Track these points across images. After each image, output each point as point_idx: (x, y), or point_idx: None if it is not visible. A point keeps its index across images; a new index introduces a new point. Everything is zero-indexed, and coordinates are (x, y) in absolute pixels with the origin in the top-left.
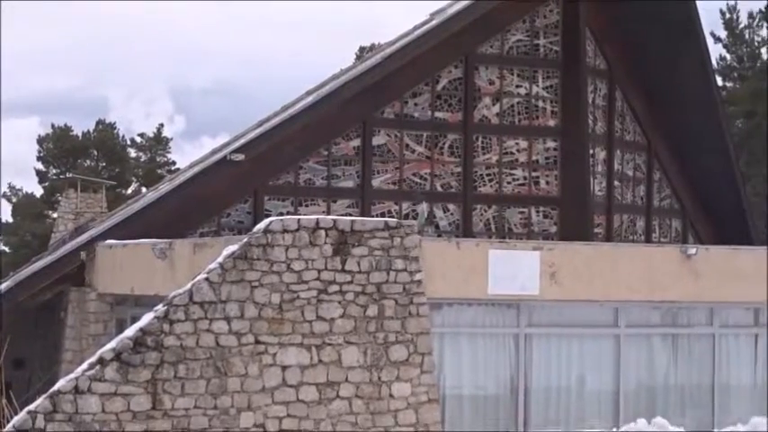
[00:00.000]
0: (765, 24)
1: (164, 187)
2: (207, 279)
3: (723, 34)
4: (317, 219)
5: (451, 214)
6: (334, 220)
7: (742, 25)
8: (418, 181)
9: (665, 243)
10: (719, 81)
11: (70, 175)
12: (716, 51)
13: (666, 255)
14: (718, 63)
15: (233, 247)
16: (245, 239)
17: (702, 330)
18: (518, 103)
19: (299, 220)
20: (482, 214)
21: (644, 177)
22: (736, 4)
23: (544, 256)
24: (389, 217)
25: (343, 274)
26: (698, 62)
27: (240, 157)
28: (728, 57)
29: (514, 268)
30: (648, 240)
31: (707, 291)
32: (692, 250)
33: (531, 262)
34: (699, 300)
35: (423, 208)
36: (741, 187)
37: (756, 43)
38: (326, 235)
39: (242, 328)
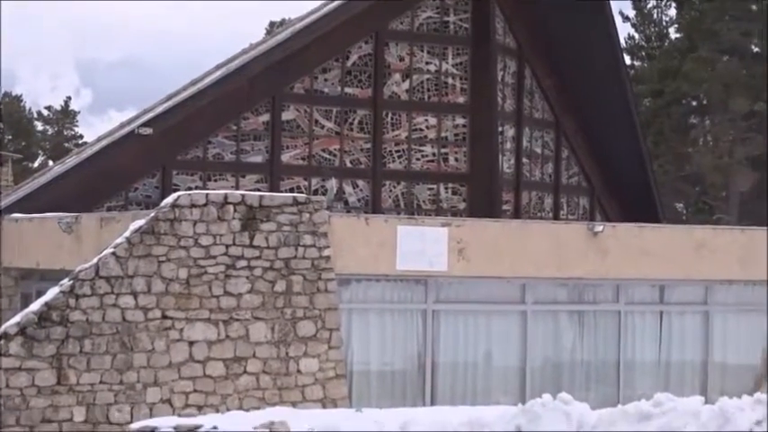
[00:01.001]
0: (673, 4)
1: (71, 161)
2: (113, 253)
3: (632, 13)
4: (226, 193)
5: (360, 190)
6: (243, 195)
7: (650, 5)
8: (327, 157)
9: (573, 220)
10: (627, 60)
11: None
12: (624, 30)
13: (574, 232)
14: (626, 42)
15: (140, 222)
16: (153, 214)
17: (608, 307)
18: (428, 79)
19: (207, 194)
20: (391, 190)
21: (552, 155)
22: None
23: (452, 233)
24: (298, 192)
25: (251, 249)
26: (606, 40)
27: (148, 131)
28: (637, 36)
29: (423, 244)
30: (556, 217)
31: (613, 268)
32: (599, 227)
33: (439, 238)
34: (605, 277)
35: (332, 184)
36: (648, 165)
37: (664, 23)
38: (235, 210)
39: (149, 303)
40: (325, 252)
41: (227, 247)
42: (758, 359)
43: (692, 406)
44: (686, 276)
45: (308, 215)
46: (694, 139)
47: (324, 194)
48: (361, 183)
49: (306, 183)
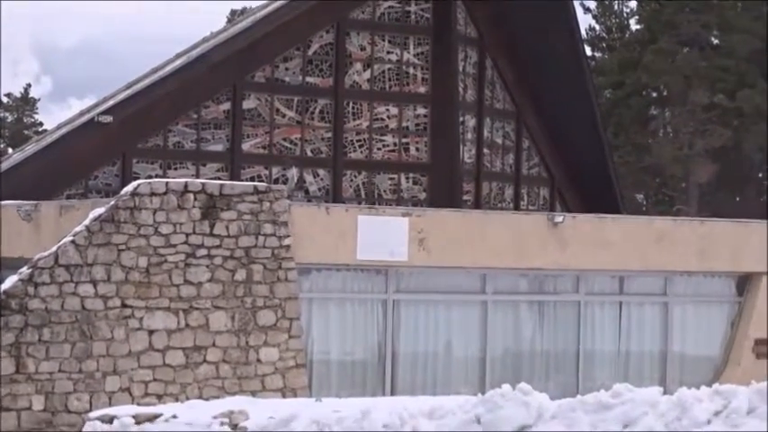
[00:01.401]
0: None
1: (30, 148)
2: (73, 242)
3: (593, 5)
4: (186, 182)
5: (321, 179)
6: (203, 184)
7: None
8: (288, 146)
9: (533, 211)
10: (588, 51)
11: None
12: (585, 22)
13: (534, 222)
14: (587, 33)
15: (100, 210)
16: (113, 202)
17: (568, 297)
18: (389, 69)
19: (167, 183)
20: (352, 180)
21: (513, 145)
22: None
23: (413, 223)
24: (259, 181)
25: (211, 237)
26: (567, 32)
27: (108, 119)
28: (597, 27)
29: (383, 234)
30: (517, 208)
31: (573, 258)
32: (559, 218)
33: (399, 228)
34: (565, 267)
35: (292, 173)
36: (608, 156)
37: (625, 14)
38: (195, 198)
39: (108, 291)
40: (286, 241)
41: (187, 235)
42: (717, 350)
43: (651, 396)
44: (646, 267)
45: (268, 204)
46: (654, 131)
47: (284, 183)
48: (321, 172)
49: (266, 172)
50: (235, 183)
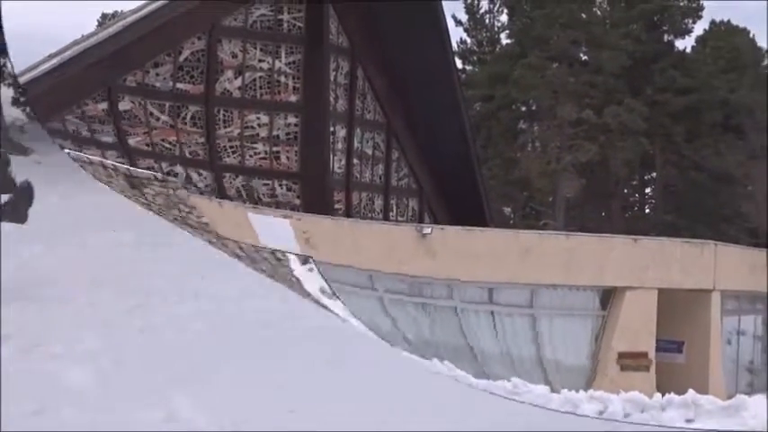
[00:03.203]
0: (505, 10)
1: None
2: None
3: (464, 18)
4: None
5: (204, 179)
6: None
7: (483, 10)
8: (168, 146)
9: (402, 222)
10: (459, 64)
11: None
12: (457, 34)
13: (402, 233)
14: (458, 46)
15: None
16: None
17: (440, 305)
18: (260, 77)
19: None
20: (230, 183)
21: (383, 156)
22: None
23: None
24: None
25: None
26: (438, 44)
27: None
28: (469, 40)
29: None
30: (386, 219)
31: (442, 269)
32: (428, 229)
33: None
34: (434, 278)
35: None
36: (477, 169)
37: (496, 28)
38: None
39: None
40: None
41: None
42: (584, 362)
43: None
44: (512, 280)
45: None
46: (523, 145)
47: None
48: (204, 172)
49: None
50: None
